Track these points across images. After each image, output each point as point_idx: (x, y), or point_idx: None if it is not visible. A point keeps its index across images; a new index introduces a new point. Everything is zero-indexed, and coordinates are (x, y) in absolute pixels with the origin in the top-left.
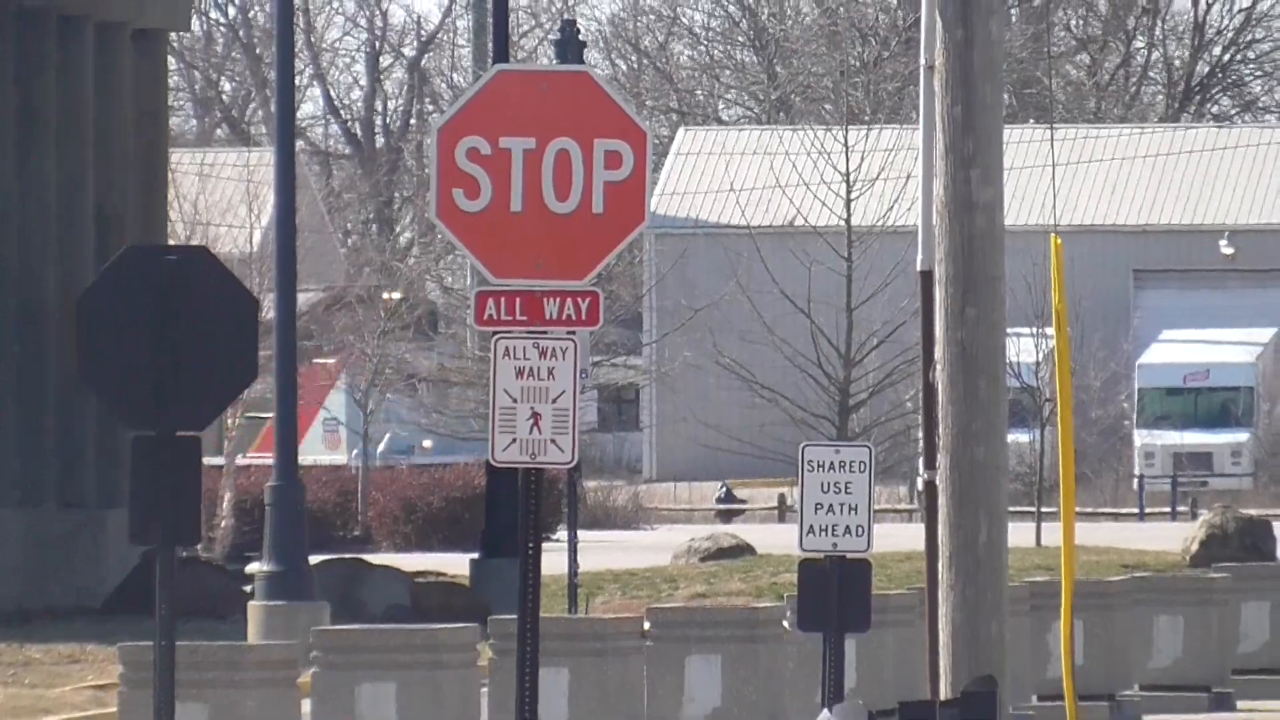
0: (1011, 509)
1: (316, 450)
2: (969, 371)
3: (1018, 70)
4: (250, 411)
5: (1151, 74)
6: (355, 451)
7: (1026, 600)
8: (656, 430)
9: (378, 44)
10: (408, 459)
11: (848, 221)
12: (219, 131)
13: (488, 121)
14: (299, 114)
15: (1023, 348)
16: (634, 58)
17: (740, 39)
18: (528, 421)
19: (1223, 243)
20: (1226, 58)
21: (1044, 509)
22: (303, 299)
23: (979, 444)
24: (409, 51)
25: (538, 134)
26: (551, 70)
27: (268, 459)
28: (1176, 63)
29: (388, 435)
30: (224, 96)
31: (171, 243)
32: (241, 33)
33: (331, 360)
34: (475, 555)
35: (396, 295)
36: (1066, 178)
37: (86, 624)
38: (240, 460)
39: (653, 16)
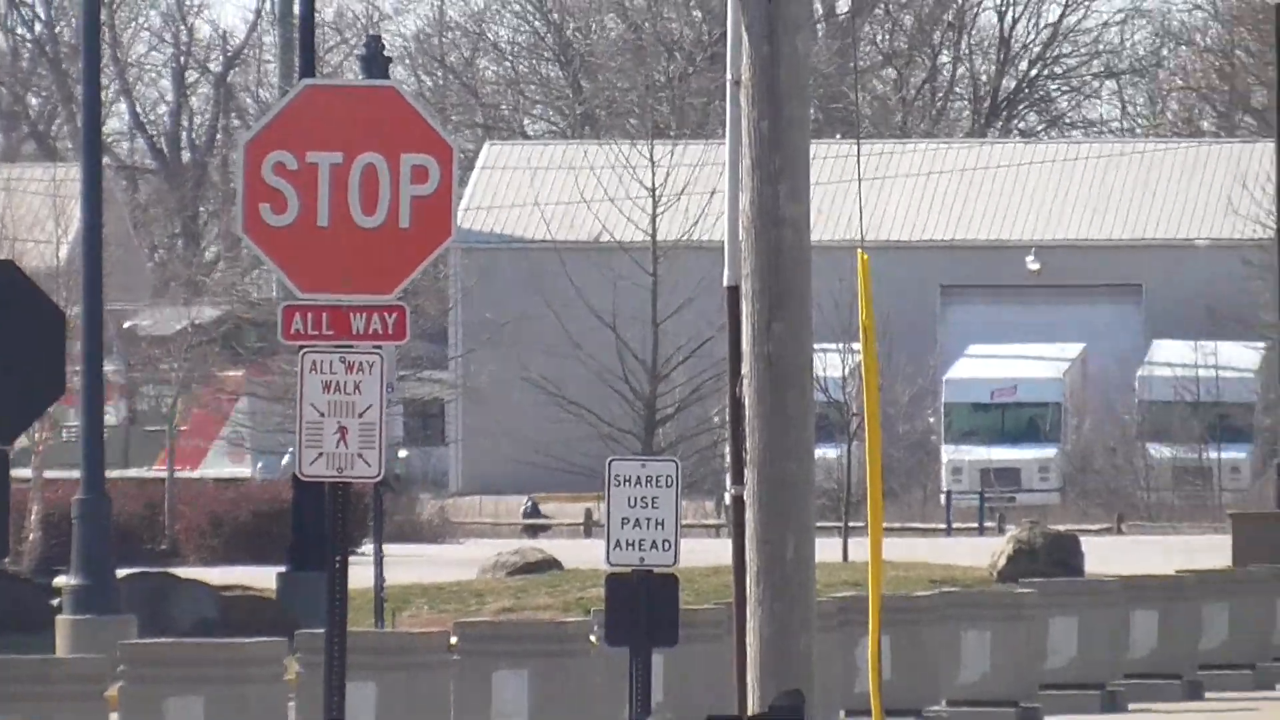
0: (819, 524)
1: (220, 464)
2: (777, 386)
3: (825, 85)
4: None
5: (958, 89)
6: (260, 464)
7: (834, 615)
8: (463, 444)
9: (183, 59)
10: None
11: (653, 236)
12: (25, 147)
13: (294, 136)
14: (105, 129)
15: (830, 363)
16: (440, 73)
17: (545, 54)
18: (335, 435)
19: (1029, 259)
20: (1033, 73)
21: (851, 524)
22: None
23: (787, 459)
24: (215, 67)
25: (344, 148)
26: (358, 85)
27: (162, 472)
28: (983, 78)
29: (290, 451)
30: (30, 111)
31: None
32: (47, 47)
33: (239, 373)
34: (282, 569)
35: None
36: (873, 193)
37: None
38: (47, 474)
39: (458, 32)
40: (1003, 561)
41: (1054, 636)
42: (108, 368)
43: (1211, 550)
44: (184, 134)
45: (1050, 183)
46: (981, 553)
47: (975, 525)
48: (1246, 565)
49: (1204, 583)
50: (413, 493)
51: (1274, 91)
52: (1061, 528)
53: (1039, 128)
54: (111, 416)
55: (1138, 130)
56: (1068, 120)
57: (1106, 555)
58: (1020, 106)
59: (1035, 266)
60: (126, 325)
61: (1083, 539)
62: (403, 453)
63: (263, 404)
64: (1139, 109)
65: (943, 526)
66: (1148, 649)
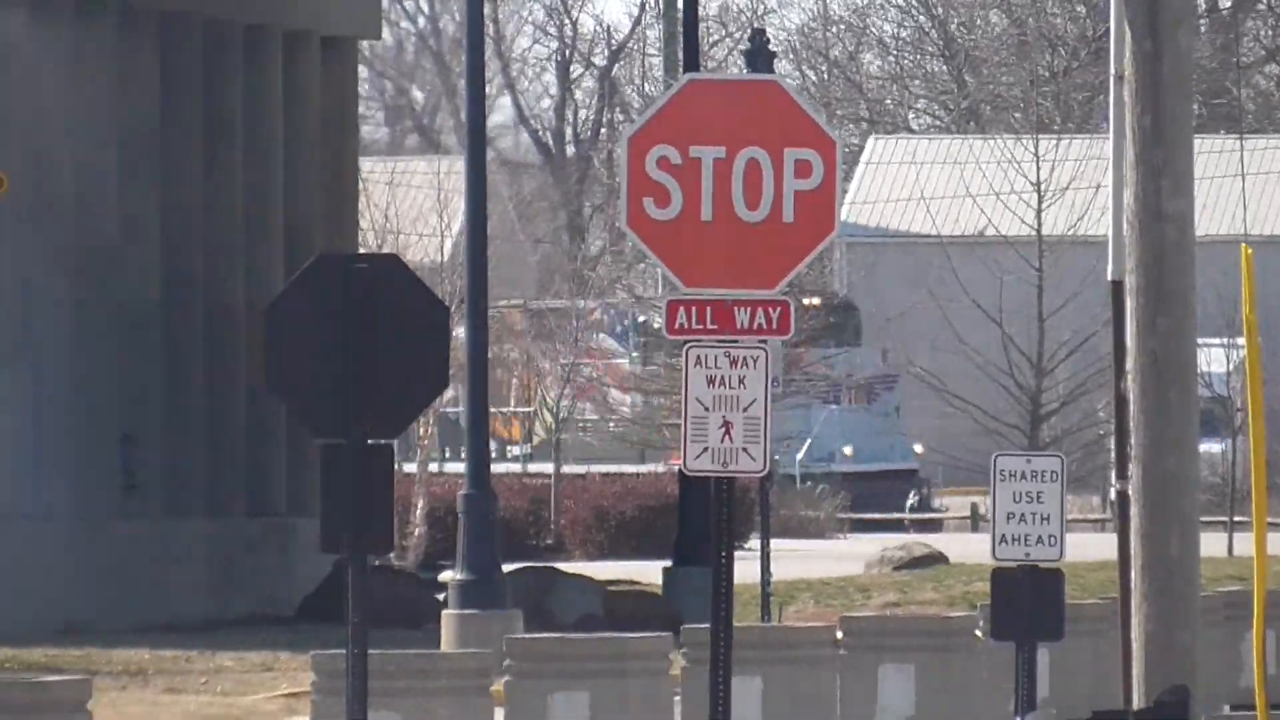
0: (1203, 519)
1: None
2: (1160, 382)
3: (1207, 80)
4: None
5: None
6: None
7: (1219, 610)
8: None
9: (568, 53)
10: (827, 465)
11: (1038, 231)
12: (409, 140)
13: (678, 130)
14: (490, 123)
15: (1213, 357)
16: (823, 67)
17: (929, 48)
18: (719, 430)
19: None
20: None
21: (1236, 519)
22: None
23: (1170, 454)
24: (599, 60)
25: (728, 143)
26: (741, 79)
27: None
28: None
29: (808, 441)
30: (414, 105)
31: (362, 251)
32: (431, 41)
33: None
34: (668, 564)
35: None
36: (1257, 188)
37: (278, 632)
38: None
39: (842, 26)
40: None
41: None
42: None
43: None
44: (568, 128)
45: None
46: None
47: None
48: None
49: None
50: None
51: None
52: None
53: None
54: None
55: None
56: None
57: None
58: None
59: None
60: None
61: None
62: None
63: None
64: None
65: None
66: None
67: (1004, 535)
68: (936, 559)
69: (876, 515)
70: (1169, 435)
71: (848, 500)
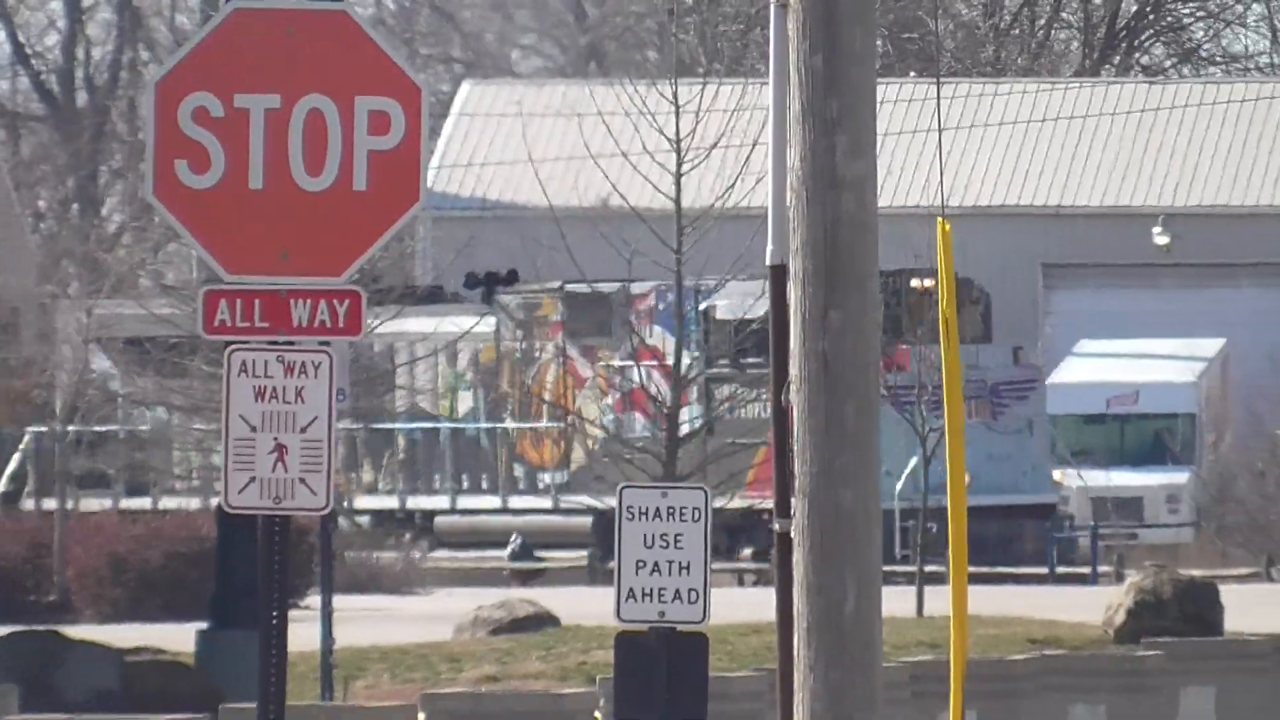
0: (887, 569)
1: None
2: (833, 393)
3: (895, 9)
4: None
5: (1064, 14)
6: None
7: (906, 685)
8: None
9: None
10: (939, 498)
11: (677, 201)
12: None
13: (220, 74)
14: None
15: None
16: None
17: None
18: (270, 456)
19: (1156, 230)
20: None
21: (928, 569)
22: None
23: (846, 486)
24: None
25: (284, 90)
26: (301, 8)
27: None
28: (1097, 0)
29: (910, 464)
30: None
31: None
32: None
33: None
34: (203, 626)
35: None
36: (957, 146)
37: None
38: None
39: None
40: (1121, 616)
41: (1186, 710)
42: None
43: None
44: (79, 70)
45: (1182, 134)
46: (1095, 605)
47: (1086, 570)
48: None
49: None
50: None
51: None
52: (1196, 572)
53: (1167, 64)
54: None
55: None
56: (1204, 54)
57: (1253, 608)
58: (1144, 37)
59: (1164, 241)
60: None
61: (1222, 587)
62: None
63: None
64: None
65: (1044, 571)
66: None
67: (632, 590)
68: (545, 620)
69: (472, 564)
70: (844, 461)
71: (433, 544)
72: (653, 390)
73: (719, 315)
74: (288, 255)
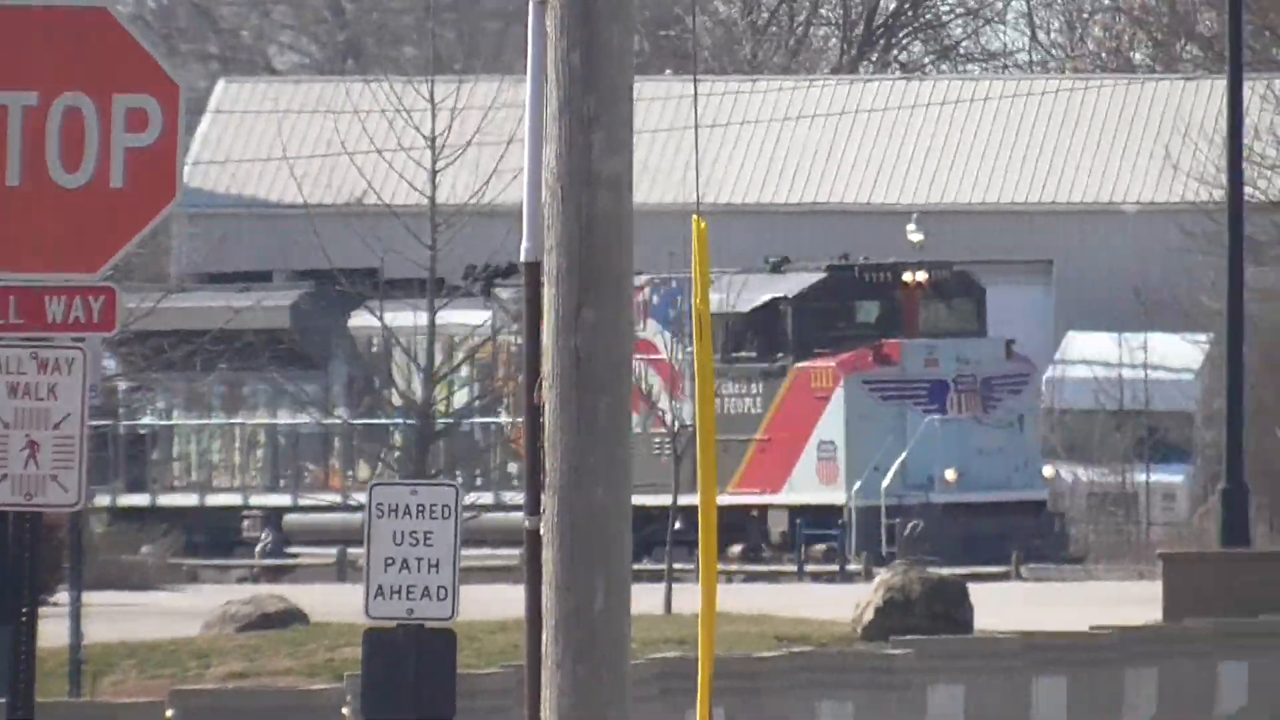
0: (636, 566)
1: (810, 486)
2: (586, 390)
3: (652, 7)
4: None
5: (823, 11)
6: (856, 485)
7: (654, 682)
8: None
9: None
10: (925, 494)
11: (432, 199)
12: None
13: None
14: None
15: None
16: None
17: None
18: (23, 452)
19: (910, 227)
20: None
21: (676, 566)
22: None
23: (597, 483)
24: None
25: (41, 87)
26: (59, 5)
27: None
28: None
29: (899, 459)
30: None
31: None
32: None
33: (830, 362)
34: None
35: None
36: (714, 144)
37: None
38: None
39: None
40: (870, 614)
41: (934, 708)
42: None
43: (1138, 600)
44: None
45: (939, 131)
46: (845, 603)
47: (835, 568)
48: (1181, 619)
49: (1126, 641)
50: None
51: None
52: (945, 572)
53: (925, 60)
54: None
55: (1051, 64)
56: (962, 51)
57: (1001, 606)
58: (902, 34)
59: (918, 237)
60: None
61: (972, 586)
62: None
63: None
64: (1053, 37)
65: (792, 569)
66: None
67: (380, 587)
68: (294, 616)
69: (218, 561)
70: (595, 458)
71: (180, 541)
72: (644, 386)
73: (711, 309)
74: (42, 253)
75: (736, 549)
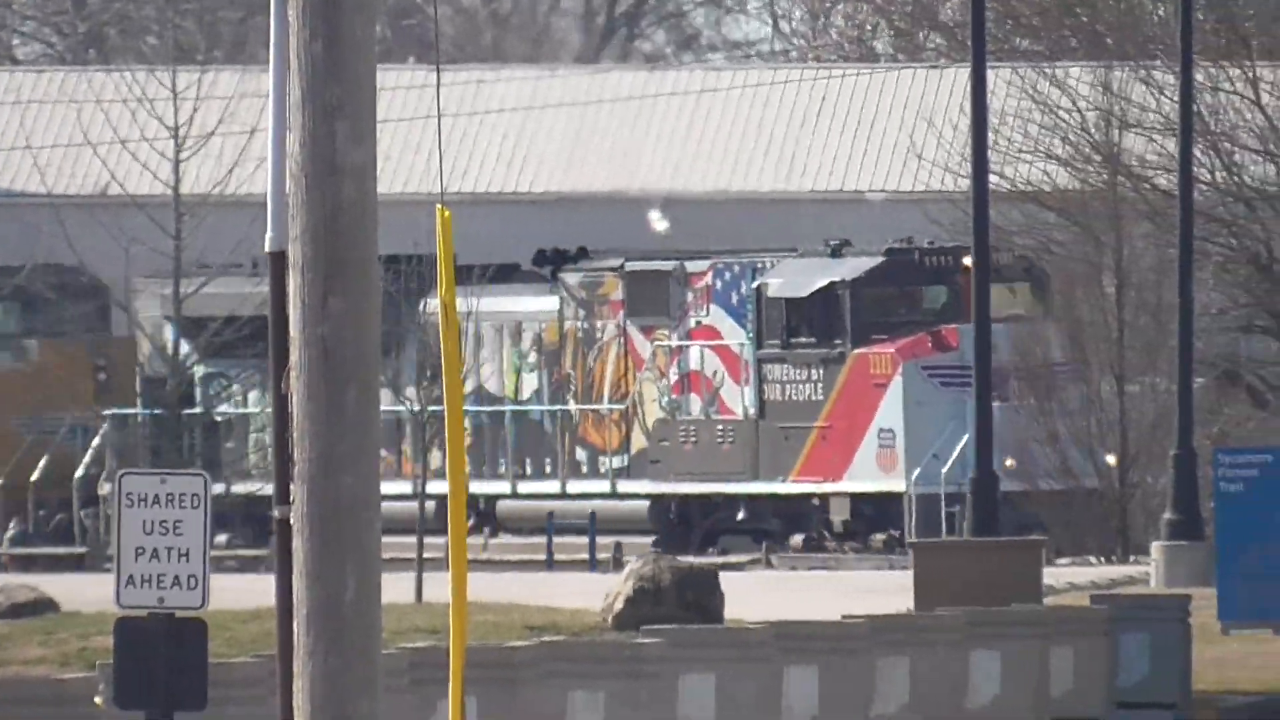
0: (387, 556)
1: (870, 474)
2: (333, 379)
3: None
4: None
5: (565, 1)
6: (916, 473)
7: (406, 672)
8: None
9: None
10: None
11: (175, 189)
12: None
13: None
14: None
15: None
16: None
17: None
18: None
19: (654, 215)
20: None
21: (427, 555)
22: None
23: (346, 472)
24: None
25: None
26: None
27: None
28: None
29: (959, 447)
30: None
31: None
32: None
33: (889, 348)
34: None
35: None
36: (457, 133)
37: None
38: None
39: None
40: (620, 604)
41: (686, 698)
42: None
43: (891, 589)
44: None
45: (682, 120)
46: (596, 592)
47: (584, 558)
48: (932, 608)
49: (877, 630)
50: None
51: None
52: (695, 560)
53: (667, 50)
54: None
55: (793, 54)
56: (704, 41)
57: (752, 595)
58: (644, 23)
59: (662, 226)
60: None
61: (723, 575)
62: None
63: None
64: (795, 26)
65: (541, 559)
66: (807, 715)
67: (131, 576)
68: (45, 605)
69: None
70: (344, 447)
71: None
72: (708, 372)
73: (771, 293)
74: None
75: (798, 539)
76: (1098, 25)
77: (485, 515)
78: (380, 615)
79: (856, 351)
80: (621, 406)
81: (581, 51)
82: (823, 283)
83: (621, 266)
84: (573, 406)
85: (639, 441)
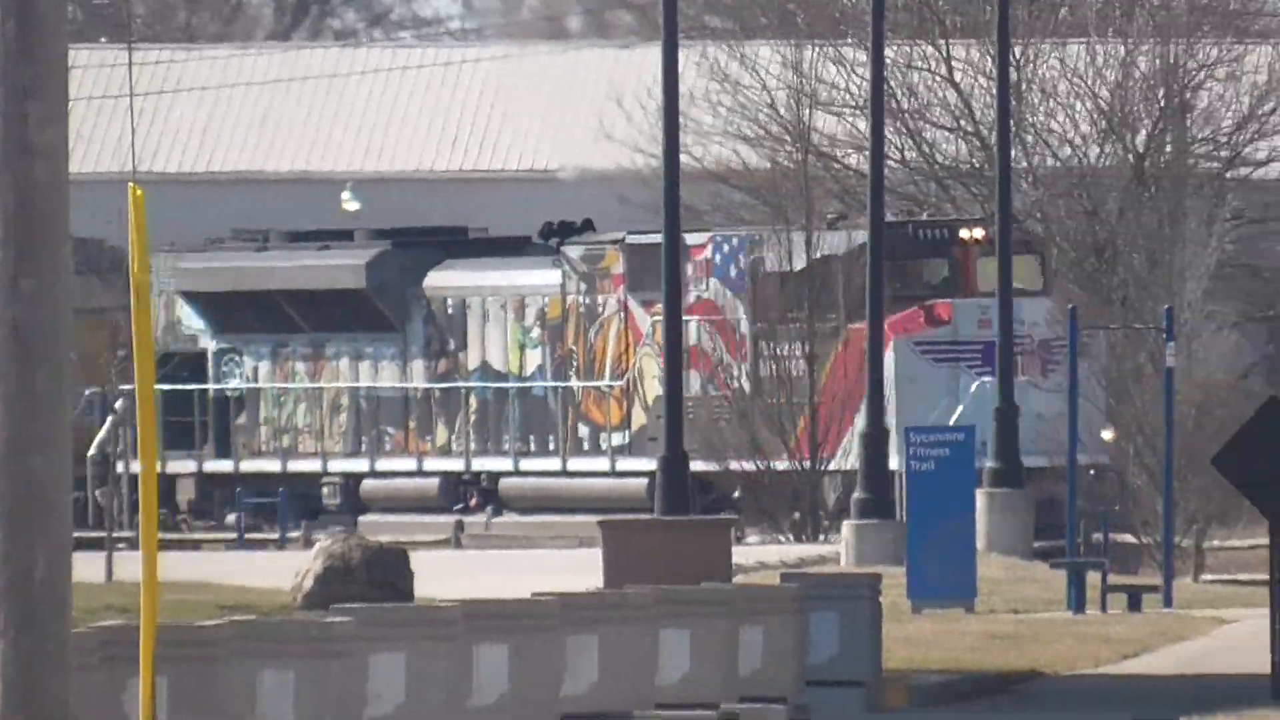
0: (77, 534)
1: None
2: (25, 360)
3: None
4: None
5: None
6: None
7: (97, 650)
8: None
9: None
10: (979, 459)
11: None
12: None
13: None
14: None
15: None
16: None
17: None
18: None
19: (345, 195)
20: None
21: (118, 534)
22: None
23: (35, 453)
24: None
25: None
26: None
27: None
28: None
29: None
30: None
31: None
32: None
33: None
34: None
35: None
36: (149, 112)
37: None
38: None
39: None
40: (310, 582)
41: (376, 677)
42: None
43: (581, 567)
44: None
45: (373, 100)
46: (287, 571)
47: (275, 536)
48: (621, 586)
49: (567, 608)
50: None
51: None
52: (386, 539)
53: (359, 28)
54: None
55: (486, 33)
56: (395, 19)
57: (444, 574)
58: (335, 1)
59: (353, 206)
60: None
61: (414, 554)
62: None
63: None
64: (488, 4)
65: (232, 537)
66: (496, 694)
67: None
68: None
69: None
70: (35, 429)
71: None
72: (706, 347)
73: (766, 267)
74: None
75: (797, 516)
76: (789, 3)
77: (488, 493)
78: (70, 594)
79: (850, 326)
80: (622, 383)
81: (274, 30)
82: (816, 256)
83: (623, 240)
84: (575, 383)
85: (639, 418)
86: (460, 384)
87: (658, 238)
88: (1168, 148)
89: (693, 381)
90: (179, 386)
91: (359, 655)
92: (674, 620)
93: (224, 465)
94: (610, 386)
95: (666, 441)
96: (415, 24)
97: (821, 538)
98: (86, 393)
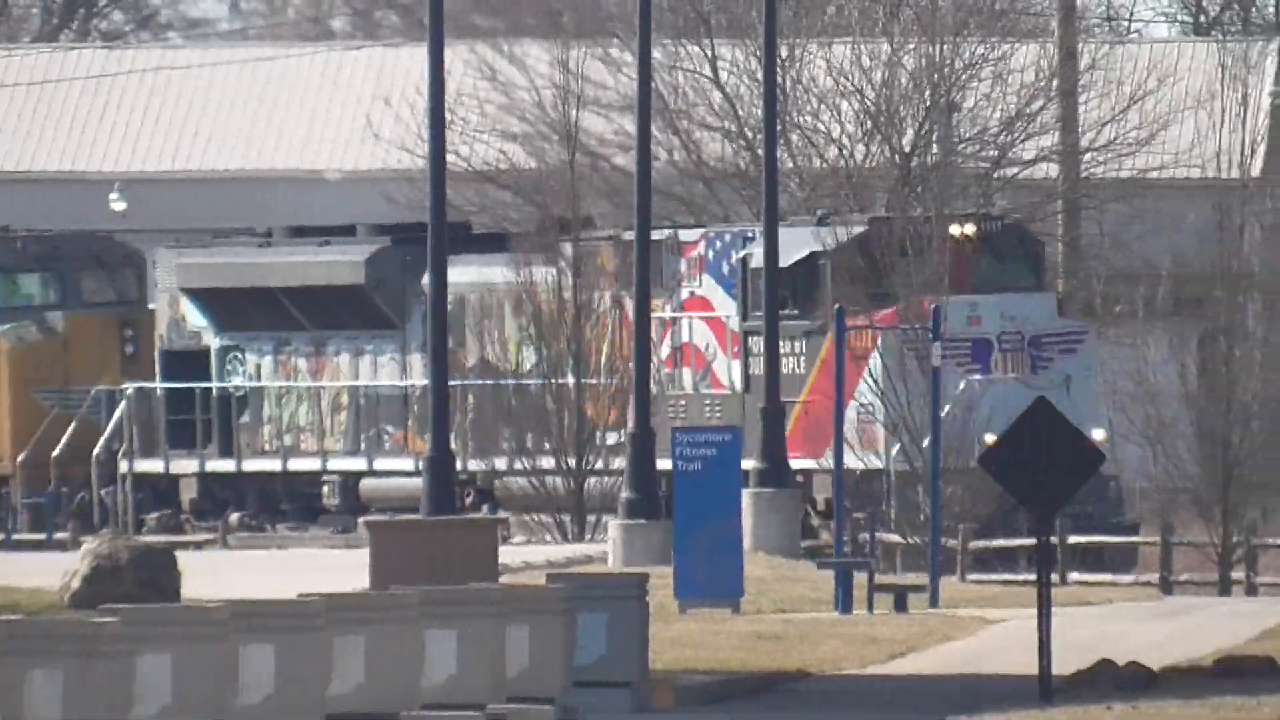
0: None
1: (851, 450)
2: None
3: None
4: None
5: None
6: (895, 449)
7: None
8: None
9: None
10: (967, 461)
11: None
12: None
13: None
14: None
15: None
16: None
17: None
18: None
19: (113, 196)
20: None
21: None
22: None
23: None
24: None
25: None
26: None
27: None
28: None
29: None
30: None
31: None
32: None
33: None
34: None
35: None
36: None
37: None
38: None
39: None
40: (77, 583)
41: (142, 677)
42: None
43: (349, 567)
44: None
45: (141, 100)
46: (56, 571)
47: (43, 536)
48: (387, 586)
49: (333, 608)
50: None
51: None
52: (153, 539)
53: (127, 29)
54: None
55: (251, 32)
56: (163, 20)
57: (212, 573)
58: (103, 3)
59: (121, 206)
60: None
61: (181, 555)
62: None
63: None
64: (254, 5)
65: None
66: (263, 694)
67: None
68: None
69: None
70: None
71: None
72: (700, 344)
73: (754, 264)
74: None
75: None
76: (555, 3)
77: (483, 493)
78: None
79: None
80: (616, 380)
81: (40, 31)
82: (804, 253)
83: (617, 236)
84: (569, 380)
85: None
86: (458, 382)
87: (655, 234)
88: (934, 147)
89: (685, 378)
90: (183, 385)
91: (125, 656)
92: (440, 621)
93: (227, 465)
94: (605, 384)
95: (433, 441)
96: (183, 25)
97: (588, 537)
98: (93, 390)
